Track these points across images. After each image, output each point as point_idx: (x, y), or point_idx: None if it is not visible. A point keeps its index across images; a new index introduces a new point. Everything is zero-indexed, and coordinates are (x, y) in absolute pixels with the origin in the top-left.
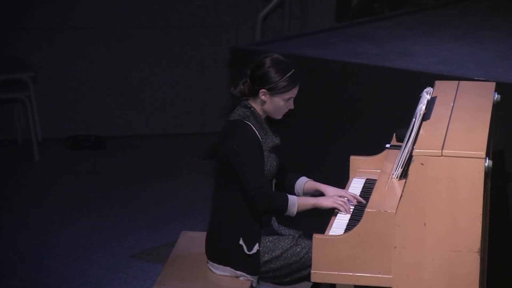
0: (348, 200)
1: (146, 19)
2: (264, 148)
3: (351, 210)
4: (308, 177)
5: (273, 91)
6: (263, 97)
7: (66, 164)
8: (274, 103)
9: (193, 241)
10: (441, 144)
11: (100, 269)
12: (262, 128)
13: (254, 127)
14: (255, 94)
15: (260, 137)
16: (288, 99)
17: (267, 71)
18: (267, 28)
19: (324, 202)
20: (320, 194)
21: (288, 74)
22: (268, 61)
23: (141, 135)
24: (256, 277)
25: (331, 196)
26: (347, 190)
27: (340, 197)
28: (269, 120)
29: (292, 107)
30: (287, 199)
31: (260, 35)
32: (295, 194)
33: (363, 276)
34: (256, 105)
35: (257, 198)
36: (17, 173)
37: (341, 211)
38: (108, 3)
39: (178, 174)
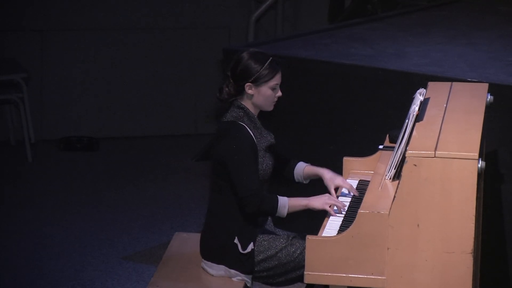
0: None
1: (139, 21)
2: (259, 148)
3: (343, 212)
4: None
5: (257, 82)
6: (249, 91)
7: (59, 166)
8: (262, 93)
9: (186, 242)
10: (434, 145)
11: (93, 270)
12: (256, 128)
13: (248, 128)
14: (241, 91)
15: (255, 138)
16: (275, 87)
17: (246, 64)
18: (260, 29)
19: (315, 204)
20: (319, 178)
21: (268, 62)
22: (245, 55)
23: (134, 137)
24: (250, 276)
25: (322, 196)
26: (340, 191)
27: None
28: (262, 117)
29: (281, 94)
30: (277, 201)
31: (253, 36)
32: (295, 181)
33: (356, 278)
34: (247, 103)
35: (247, 200)
36: (10, 174)
37: (332, 215)
38: (100, 5)
39: (170, 176)
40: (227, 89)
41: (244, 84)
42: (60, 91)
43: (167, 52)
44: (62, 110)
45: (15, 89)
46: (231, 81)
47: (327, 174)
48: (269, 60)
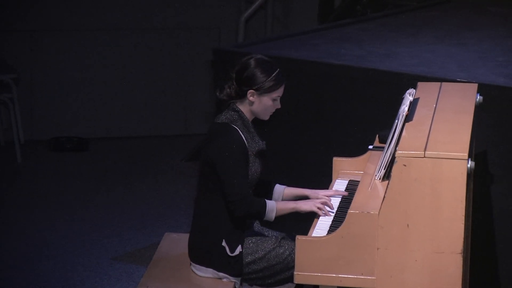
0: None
1: (129, 21)
2: (249, 152)
3: (332, 213)
4: (283, 183)
5: (261, 91)
6: (251, 98)
7: (49, 166)
8: (263, 103)
9: (176, 242)
10: (424, 146)
11: (83, 271)
12: (249, 132)
13: (240, 131)
14: (242, 96)
15: (246, 142)
16: (275, 99)
17: (254, 72)
18: (250, 29)
19: (303, 206)
20: (304, 198)
21: (275, 73)
22: (253, 62)
23: (124, 137)
24: (239, 278)
25: (310, 200)
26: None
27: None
28: (256, 123)
29: (279, 106)
30: (265, 205)
31: (243, 36)
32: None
33: (346, 278)
34: (243, 108)
35: (235, 203)
36: None
37: (320, 215)
38: (91, 5)
39: (160, 176)
40: (228, 90)
41: (247, 90)
42: (50, 91)
43: (157, 52)
44: (52, 110)
45: (5, 89)
46: (235, 83)
47: (310, 192)
48: (276, 71)
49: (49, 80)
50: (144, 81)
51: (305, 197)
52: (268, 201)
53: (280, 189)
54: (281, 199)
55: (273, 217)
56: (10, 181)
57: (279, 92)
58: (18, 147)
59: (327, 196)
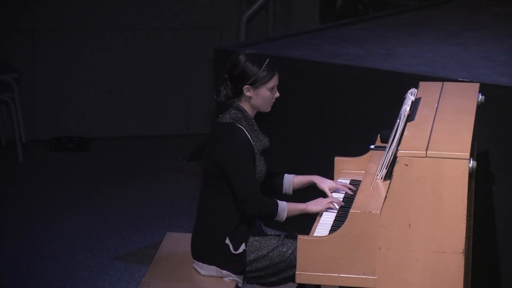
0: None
1: (130, 21)
2: (255, 151)
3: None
4: (290, 173)
5: (255, 84)
6: (248, 93)
7: (50, 166)
8: (261, 95)
9: (178, 242)
10: (426, 145)
11: (85, 270)
12: (253, 130)
13: (246, 130)
14: (239, 93)
15: (252, 141)
16: (272, 88)
17: (244, 67)
18: (251, 29)
19: (314, 207)
20: (314, 185)
21: (265, 64)
22: (242, 58)
23: (125, 137)
24: (242, 276)
25: (319, 199)
26: (333, 190)
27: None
28: (258, 121)
29: (278, 95)
30: (277, 205)
31: (244, 36)
32: (284, 193)
33: (348, 277)
34: (245, 106)
35: (247, 203)
36: (1, 174)
37: (332, 209)
38: (92, 5)
39: (162, 176)
40: (224, 91)
41: (242, 86)
42: (51, 91)
43: (159, 52)
44: (53, 110)
45: (6, 89)
46: (229, 83)
47: (318, 179)
48: (266, 62)
49: (51, 80)
50: (145, 81)
51: (313, 184)
52: (279, 202)
53: (290, 179)
54: (292, 189)
55: (285, 218)
56: (11, 180)
57: (274, 81)
58: (19, 146)
59: (334, 186)
